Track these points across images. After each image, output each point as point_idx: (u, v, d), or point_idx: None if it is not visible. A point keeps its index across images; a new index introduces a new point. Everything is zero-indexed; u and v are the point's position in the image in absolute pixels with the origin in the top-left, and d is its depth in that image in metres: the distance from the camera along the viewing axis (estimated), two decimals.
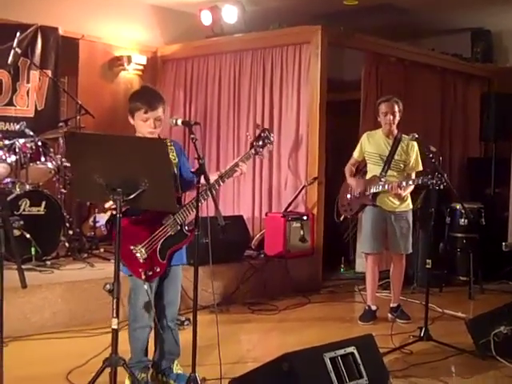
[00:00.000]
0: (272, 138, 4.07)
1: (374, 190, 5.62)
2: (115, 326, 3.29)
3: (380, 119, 5.72)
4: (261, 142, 4.03)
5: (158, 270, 3.64)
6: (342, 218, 6.40)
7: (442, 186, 5.01)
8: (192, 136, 3.56)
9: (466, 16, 8.56)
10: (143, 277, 3.55)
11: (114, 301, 3.25)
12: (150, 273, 3.65)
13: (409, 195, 5.74)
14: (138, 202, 3.28)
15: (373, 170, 5.75)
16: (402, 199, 5.66)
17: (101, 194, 3.27)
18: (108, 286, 3.25)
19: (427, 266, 5.11)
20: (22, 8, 7.28)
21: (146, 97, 3.76)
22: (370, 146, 5.77)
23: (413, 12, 8.38)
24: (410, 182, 5.48)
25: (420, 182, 5.27)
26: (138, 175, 3.21)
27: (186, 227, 3.70)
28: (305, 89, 7.26)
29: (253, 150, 4.00)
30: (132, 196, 3.21)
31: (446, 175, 5.02)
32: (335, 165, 7.57)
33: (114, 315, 3.27)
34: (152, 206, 3.48)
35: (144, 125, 3.70)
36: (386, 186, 5.53)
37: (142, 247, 3.60)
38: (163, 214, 3.65)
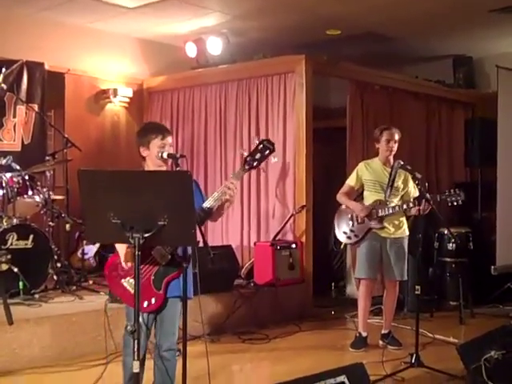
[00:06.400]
0: (271, 147, 3.69)
1: (385, 213, 5.57)
2: (136, 370, 3.10)
3: (379, 146, 5.72)
4: (258, 155, 3.70)
5: (155, 300, 3.63)
6: (342, 246, 6.27)
7: (460, 202, 5.07)
8: (178, 169, 3.58)
9: (447, 43, 8.68)
10: None
11: (135, 342, 3.07)
12: (145, 303, 3.64)
13: (405, 222, 5.75)
14: (157, 239, 3.14)
15: (370, 197, 5.73)
16: (398, 226, 5.67)
17: (117, 233, 3.09)
18: (130, 328, 3.10)
19: (416, 292, 5.11)
20: (7, 44, 7.30)
21: (159, 126, 3.91)
22: (369, 173, 5.76)
23: (395, 40, 8.48)
24: (438, 198, 5.31)
25: (439, 199, 5.23)
26: (157, 210, 3.06)
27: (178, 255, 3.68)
28: (291, 117, 7.31)
29: (246, 166, 3.73)
30: (151, 233, 3.06)
31: (462, 192, 5.16)
32: (323, 192, 7.60)
33: (135, 358, 3.07)
34: (172, 242, 3.41)
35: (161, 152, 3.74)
36: (398, 208, 5.50)
37: (132, 279, 3.59)
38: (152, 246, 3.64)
